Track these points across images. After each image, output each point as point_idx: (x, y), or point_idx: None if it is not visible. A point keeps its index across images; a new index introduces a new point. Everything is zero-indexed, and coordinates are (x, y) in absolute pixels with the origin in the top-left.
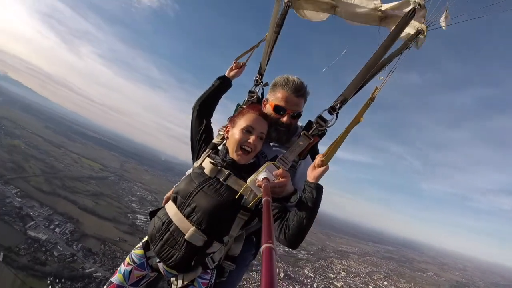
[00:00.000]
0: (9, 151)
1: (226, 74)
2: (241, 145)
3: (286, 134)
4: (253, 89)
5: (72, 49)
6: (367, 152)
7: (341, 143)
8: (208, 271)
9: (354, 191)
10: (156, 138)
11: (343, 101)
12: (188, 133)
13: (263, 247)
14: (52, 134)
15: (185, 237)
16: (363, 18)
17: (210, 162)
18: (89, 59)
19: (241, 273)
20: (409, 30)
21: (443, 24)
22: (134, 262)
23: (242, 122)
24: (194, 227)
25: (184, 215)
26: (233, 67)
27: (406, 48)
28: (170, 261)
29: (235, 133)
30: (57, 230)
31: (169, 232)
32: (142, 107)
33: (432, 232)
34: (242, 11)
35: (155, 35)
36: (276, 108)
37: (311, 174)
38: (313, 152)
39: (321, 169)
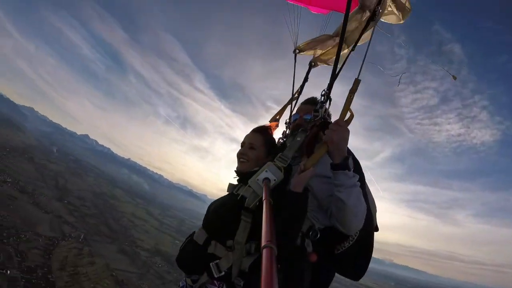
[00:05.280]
0: None
1: None
2: (238, 158)
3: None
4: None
5: (447, 221)
6: None
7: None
8: (215, 282)
9: None
10: None
11: (330, 84)
12: None
13: (263, 247)
14: None
15: (193, 236)
16: (360, 28)
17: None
18: (467, 223)
19: None
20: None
21: None
22: (179, 286)
23: None
24: (201, 227)
25: (202, 225)
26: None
27: (375, 15)
28: (180, 262)
29: None
30: None
31: (188, 240)
32: None
33: None
34: None
35: None
36: (292, 118)
37: (293, 181)
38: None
39: (302, 174)
